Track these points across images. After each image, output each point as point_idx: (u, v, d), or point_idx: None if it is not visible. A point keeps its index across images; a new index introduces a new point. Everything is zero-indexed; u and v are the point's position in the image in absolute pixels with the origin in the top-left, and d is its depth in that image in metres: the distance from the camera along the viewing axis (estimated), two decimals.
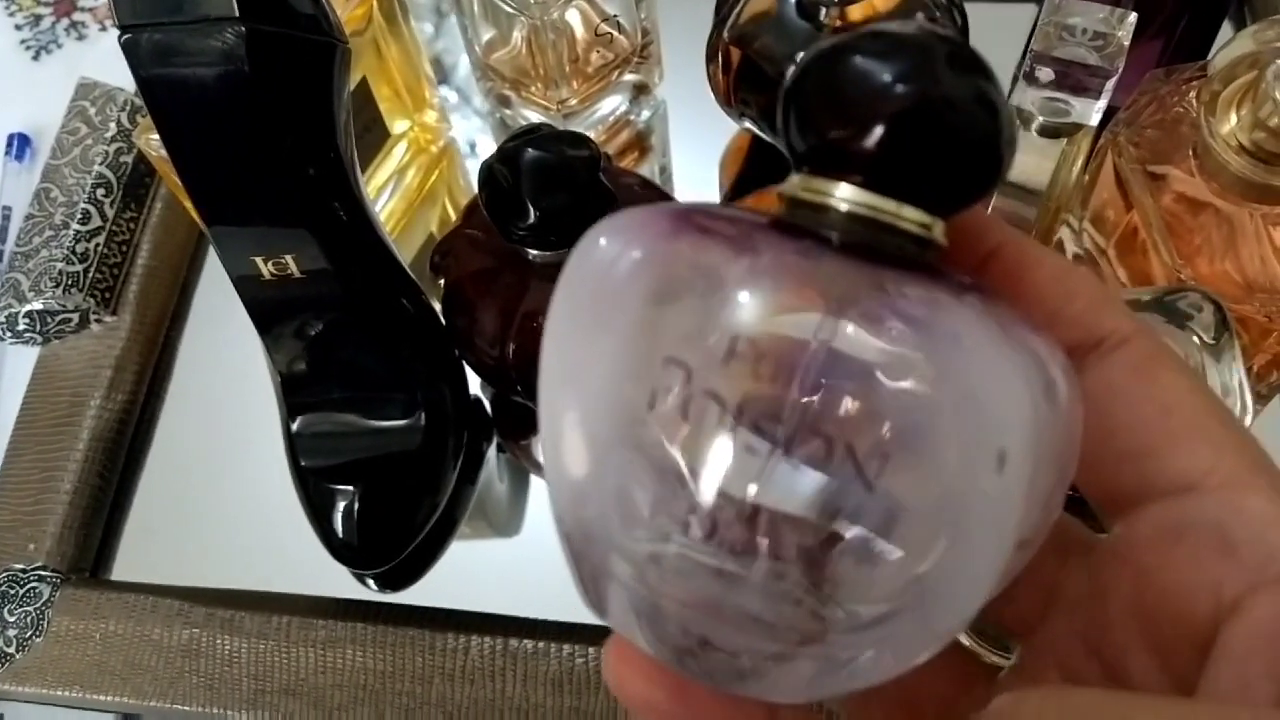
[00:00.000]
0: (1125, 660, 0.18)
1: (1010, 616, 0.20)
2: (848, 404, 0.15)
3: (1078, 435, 0.16)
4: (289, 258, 0.36)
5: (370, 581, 0.43)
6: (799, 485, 0.15)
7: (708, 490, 0.15)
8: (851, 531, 0.15)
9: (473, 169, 0.51)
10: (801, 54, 0.37)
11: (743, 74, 0.39)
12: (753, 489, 0.15)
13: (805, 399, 0.15)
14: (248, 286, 0.37)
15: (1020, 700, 0.15)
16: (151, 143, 0.42)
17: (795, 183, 0.17)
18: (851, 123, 0.16)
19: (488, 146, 0.53)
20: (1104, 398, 0.18)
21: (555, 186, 0.34)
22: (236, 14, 0.31)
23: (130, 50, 0.32)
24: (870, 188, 0.16)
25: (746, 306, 0.16)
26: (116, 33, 0.32)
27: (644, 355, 0.16)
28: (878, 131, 0.15)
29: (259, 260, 0.36)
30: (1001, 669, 0.21)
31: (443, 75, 0.55)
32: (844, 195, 0.16)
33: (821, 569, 0.15)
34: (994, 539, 0.15)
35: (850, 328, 0.15)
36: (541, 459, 0.18)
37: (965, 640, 0.32)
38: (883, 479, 0.15)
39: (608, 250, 0.17)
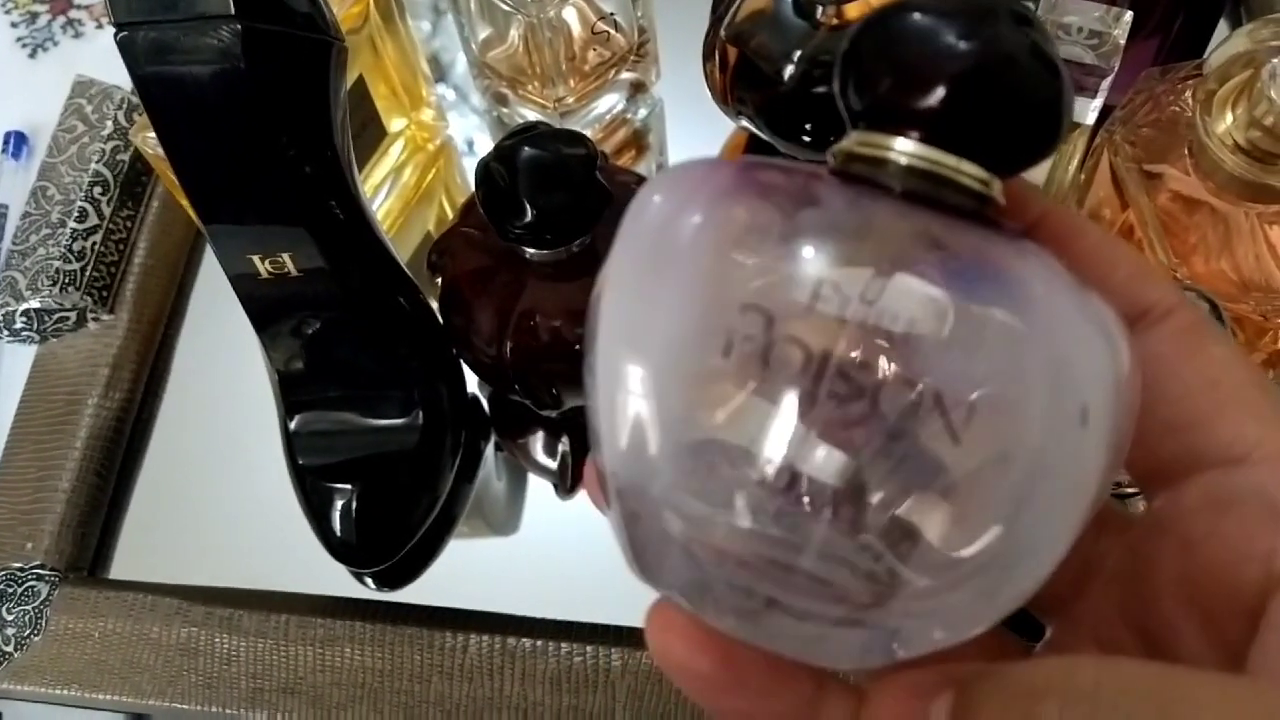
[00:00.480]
0: (1171, 633, 0.17)
1: (1044, 589, 0.20)
2: (933, 355, 0.15)
3: (1138, 399, 0.16)
4: (286, 256, 0.36)
5: (368, 580, 0.43)
6: (884, 437, 0.15)
7: (783, 441, 0.15)
8: (936, 485, 0.15)
9: (470, 167, 0.51)
10: (799, 52, 0.37)
11: (740, 72, 0.39)
12: (836, 439, 0.15)
13: (891, 350, 0.14)
14: (245, 285, 0.37)
15: (1074, 665, 0.15)
16: (148, 141, 0.42)
17: (853, 138, 0.17)
18: (913, 79, 0.16)
19: (485, 145, 0.53)
20: (1149, 368, 0.17)
21: (552, 185, 0.34)
22: (232, 12, 0.31)
23: (126, 48, 0.32)
24: (929, 143, 0.16)
25: (820, 258, 0.15)
26: (113, 30, 0.32)
27: (717, 305, 0.15)
28: (940, 88, 0.15)
29: (256, 258, 0.36)
30: (1034, 645, 0.20)
31: (440, 73, 0.55)
32: (903, 149, 0.16)
33: (902, 526, 0.15)
34: (1075, 497, 0.15)
35: (926, 279, 0.15)
36: (597, 416, 0.17)
37: None
38: (970, 431, 0.14)
39: (664, 206, 0.17)
